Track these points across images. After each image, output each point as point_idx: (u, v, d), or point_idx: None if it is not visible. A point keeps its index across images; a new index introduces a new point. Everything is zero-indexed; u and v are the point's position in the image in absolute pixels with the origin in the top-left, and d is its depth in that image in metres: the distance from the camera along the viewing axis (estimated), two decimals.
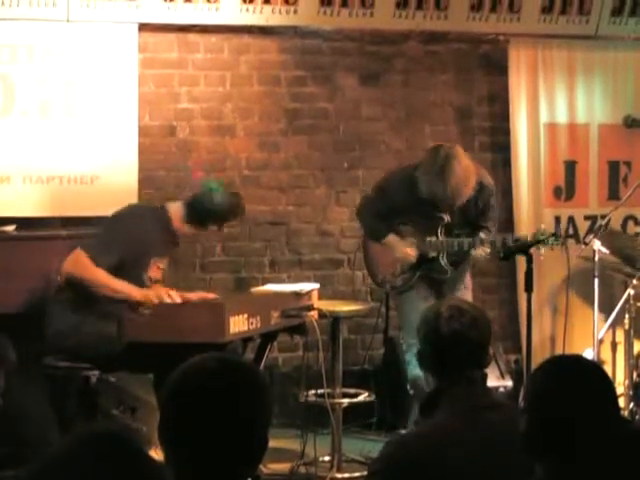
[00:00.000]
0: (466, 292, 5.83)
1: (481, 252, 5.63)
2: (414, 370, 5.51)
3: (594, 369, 2.58)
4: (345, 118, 6.81)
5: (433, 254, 5.71)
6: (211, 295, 5.22)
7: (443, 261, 5.72)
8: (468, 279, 5.91)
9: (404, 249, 5.73)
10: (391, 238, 5.75)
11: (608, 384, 2.53)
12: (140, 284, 4.95)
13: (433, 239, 5.69)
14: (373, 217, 5.79)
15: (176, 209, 5.14)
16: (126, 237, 4.91)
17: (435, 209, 5.62)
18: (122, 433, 1.81)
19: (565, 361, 2.66)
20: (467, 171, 5.48)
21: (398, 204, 5.69)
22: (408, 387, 6.11)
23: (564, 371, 2.52)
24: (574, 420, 2.43)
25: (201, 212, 5.13)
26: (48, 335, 4.85)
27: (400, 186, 5.69)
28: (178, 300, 4.82)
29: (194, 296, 5.08)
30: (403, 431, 5.90)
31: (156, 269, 5.06)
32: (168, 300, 4.76)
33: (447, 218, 5.67)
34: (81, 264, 4.83)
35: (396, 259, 5.75)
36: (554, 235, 5.45)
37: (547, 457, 2.47)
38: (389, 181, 5.84)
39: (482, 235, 5.64)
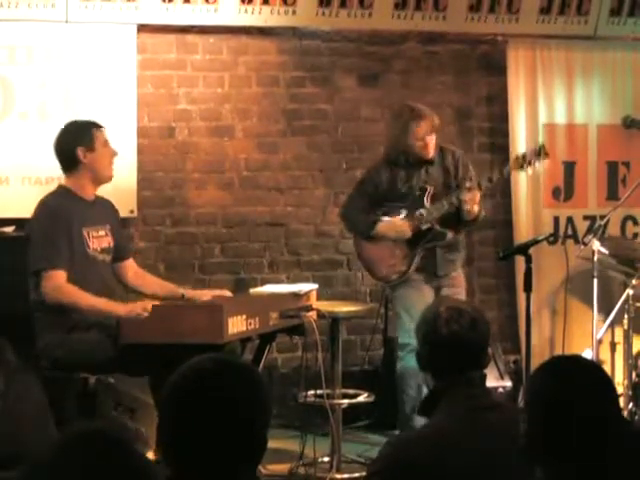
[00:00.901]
0: (460, 292, 5.83)
1: (470, 196, 5.63)
2: (400, 363, 5.70)
3: (594, 369, 2.58)
4: (344, 119, 6.81)
5: (427, 225, 5.74)
6: (225, 292, 5.23)
7: (438, 227, 5.75)
8: (463, 281, 5.92)
9: (397, 226, 5.75)
10: (380, 225, 5.77)
11: (608, 384, 2.53)
12: (88, 259, 4.90)
13: (422, 210, 5.73)
14: (358, 213, 5.83)
15: (65, 177, 5.09)
16: (52, 226, 4.86)
17: (415, 178, 5.73)
18: (111, 431, 1.81)
19: (565, 361, 2.66)
20: (433, 116, 5.67)
21: (379, 192, 5.77)
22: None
23: (564, 371, 2.52)
24: (574, 420, 2.42)
25: (61, 149, 5.04)
26: (38, 349, 4.83)
27: (376, 173, 5.81)
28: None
29: (207, 295, 5.10)
30: (402, 432, 5.90)
31: (97, 239, 4.99)
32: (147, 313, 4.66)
33: (430, 188, 5.73)
34: (61, 290, 4.76)
35: (390, 245, 5.75)
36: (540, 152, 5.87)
37: (547, 457, 2.47)
38: (365, 174, 5.96)
39: (467, 184, 5.71)
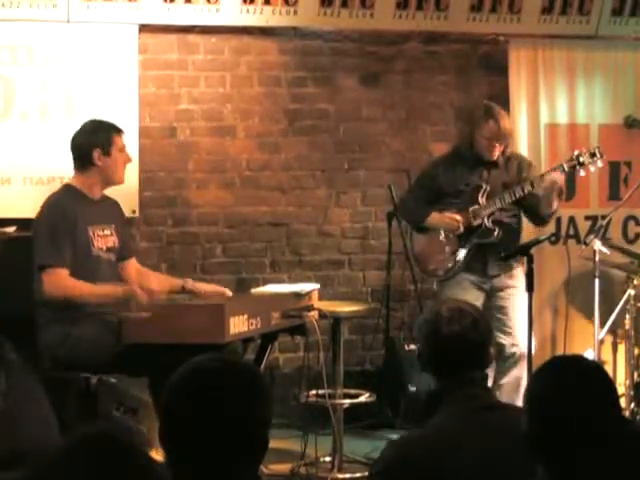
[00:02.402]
0: (516, 291, 5.79)
1: (551, 177, 5.70)
2: None
3: (595, 369, 2.57)
4: (345, 119, 6.81)
5: (478, 221, 5.78)
6: (224, 290, 5.22)
7: (488, 223, 5.77)
8: (521, 277, 5.78)
9: (449, 218, 5.79)
10: (433, 215, 5.84)
11: (609, 384, 2.52)
12: (92, 258, 4.92)
13: (476, 207, 5.77)
14: (415, 201, 5.91)
15: (73, 175, 5.10)
16: (56, 225, 4.87)
17: (475, 176, 5.77)
18: (117, 433, 1.81)
19: (566, 361, 2.65)
20: (505, 121, 5.77)
21: (436, 185, 5.83)
22: (409, 386, 6.12)
23: (565, 371, 2.51)
24: (575, 420, 2.42)
25: (77, 146, 5.03)
26: (39, 348, 4.84)
27: (435, 167, 5.91)
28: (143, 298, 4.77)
29: (207, 287, 5.11)
30: (404, 432, 5.89)
31: (102, 238, 5.00)
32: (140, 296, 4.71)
33: (487, 187, 5.76)
34: (62, 285, 4.79)
35: (441, 240, 5.78)
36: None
37: (547, 457, 2.47)
38: (426, 168, 6.04)
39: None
